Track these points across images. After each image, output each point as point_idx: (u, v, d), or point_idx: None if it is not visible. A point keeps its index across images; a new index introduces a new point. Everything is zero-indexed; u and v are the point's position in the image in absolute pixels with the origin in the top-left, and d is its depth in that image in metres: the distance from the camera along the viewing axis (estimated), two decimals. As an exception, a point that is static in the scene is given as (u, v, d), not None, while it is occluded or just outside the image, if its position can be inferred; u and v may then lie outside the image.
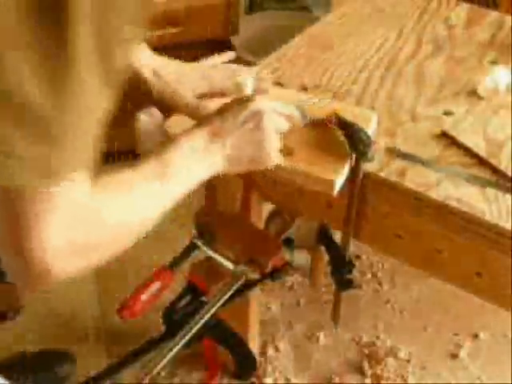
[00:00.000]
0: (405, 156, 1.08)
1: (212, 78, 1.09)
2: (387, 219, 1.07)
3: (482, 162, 1.08)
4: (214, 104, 1.03)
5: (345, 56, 1.35)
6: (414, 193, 1.02)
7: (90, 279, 1.86)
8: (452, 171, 1.06)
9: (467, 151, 1.10)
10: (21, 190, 0.58)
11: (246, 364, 1.19)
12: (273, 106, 0.96)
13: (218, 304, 1.14)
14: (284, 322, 1.80)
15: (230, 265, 1.18)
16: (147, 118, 1.09)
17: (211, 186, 1.26)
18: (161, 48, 1.73)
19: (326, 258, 1.32)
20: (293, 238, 1.93)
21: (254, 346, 1.59)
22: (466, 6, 1.57)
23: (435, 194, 1.01)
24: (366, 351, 1.72)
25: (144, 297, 1.07)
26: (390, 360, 1.69)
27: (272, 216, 1.48)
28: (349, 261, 1.15)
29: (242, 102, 0.94)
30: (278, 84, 1.24)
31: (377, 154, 1.07)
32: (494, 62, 1.35)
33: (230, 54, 1.19)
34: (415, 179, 1.04)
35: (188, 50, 1.94)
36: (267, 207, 1.87)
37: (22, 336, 1.73)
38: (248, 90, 1.10)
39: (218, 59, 1.16)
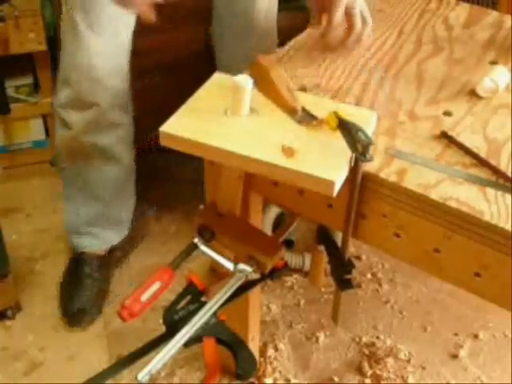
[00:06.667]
0: (405, 156, 1.08)
1: None
2: (387, 219, 1.07)
3: (481, 162, 1.08)
4: None
5: (344, 56, 1.35)
6: (413, 193, 1.02)
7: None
8: (452, 171, 1.06)
9: (467, 151, 1.10)
10: None
11: (245, 364, 1.18)
12: None
13: (218, 304, 1.14)
14: (284, 321, 1.80)
15: (230, 265, 1.18)
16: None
17: (211, 187, 1.26)
18: (161, 48, 1.73)
19: (326, 257, 1.32)
20: (293, 239, 1.93)
21: (254, 346, 1.59)
22: (465, 5, 1.57)
23: (435, 194, 1.01)
24: (366, 351, 1.72)
25: (144, 297, 1.07)
26: (390, 360, 1.69)
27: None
28: (348, 261, 1.15)
29: None
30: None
31: (376, 154, 1.07)
32: (493, 62, 1.35)
33: None
34: (415, 179, 1.04)
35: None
36: (275, 209, 1.87)
37: (22, 336, 1.73)
38: (248, 90, 1.10)
39: None
